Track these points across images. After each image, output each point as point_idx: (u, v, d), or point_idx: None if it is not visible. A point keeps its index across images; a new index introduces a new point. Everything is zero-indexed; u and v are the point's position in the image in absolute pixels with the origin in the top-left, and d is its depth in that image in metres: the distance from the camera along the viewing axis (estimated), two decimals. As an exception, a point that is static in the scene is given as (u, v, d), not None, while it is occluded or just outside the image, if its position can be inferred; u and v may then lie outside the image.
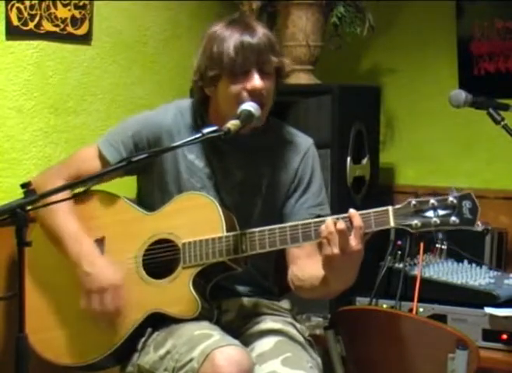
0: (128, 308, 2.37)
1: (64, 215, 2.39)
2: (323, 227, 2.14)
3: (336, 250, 2.11)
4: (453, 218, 2.10)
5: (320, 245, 2.26)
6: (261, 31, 2.33)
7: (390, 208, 2.14)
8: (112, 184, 2.45)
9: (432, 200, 2.12)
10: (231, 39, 2.30)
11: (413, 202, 2.13)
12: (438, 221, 2.11)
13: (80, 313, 2.41)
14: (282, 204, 2.47)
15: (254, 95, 2.30)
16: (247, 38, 2.30)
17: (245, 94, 2.30)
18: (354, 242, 2.11)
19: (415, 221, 2.12)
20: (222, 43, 2.30)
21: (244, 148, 2.42)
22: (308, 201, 2.46)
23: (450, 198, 2.11)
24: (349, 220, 2.13)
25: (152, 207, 2.44)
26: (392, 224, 2.13)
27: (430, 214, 2.12)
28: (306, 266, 2.37)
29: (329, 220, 2.14)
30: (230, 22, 2.36)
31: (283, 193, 2.47)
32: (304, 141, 2.51)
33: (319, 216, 2.41)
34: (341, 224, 2.11)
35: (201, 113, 2.44)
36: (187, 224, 2.35)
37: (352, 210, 2.14)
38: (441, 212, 2.11)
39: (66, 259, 2.41)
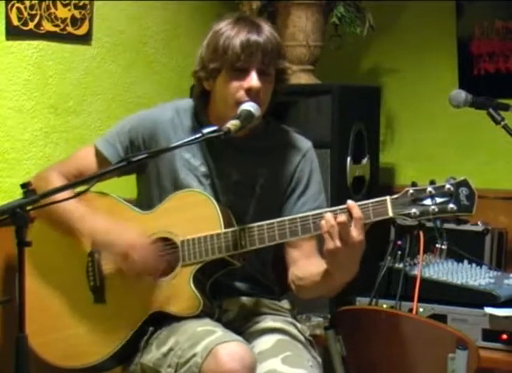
0: (129, 309, 2.36)
1: (67, 202, 2.36)
2: (323, 222, 2.14)
3: (339, 243, 2.11)
4: (451, 205, 2.10)
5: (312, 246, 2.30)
6: (268, 31, 2.33)
7: (388, 198, 2.14)
8: (111, 184, 2.45)
9: (429, 188, 2.12)
10: (238, 35, 2.30)
11: (410, 191, 2.13)
12: (436, 209, 2.11)
13: (80, 315, 2.41)
14: (279, 206, 2.47)
15: (250, 94, 2.30)
16: (254, 36, 2.30)
17: (242, 92, 2.30)
18: (355, 232, 2.11)
19: (414, 210, 2.12)
20: (229, 39, 2.30)
21: (242, 149, 2.42)
22: (306, 204, 2.45)
23: (447, 185, 2.11)
24: (348, 211, 2.13)
25: (151, 206, 2.43)
26: (391, 213, 2.14)
27: (428, 202, 2.12)
28: (305, 266, 2.38)
29: (328, 214, 2.14)
30: (237, 20, 2.35)
31: (279, 195, 2.47)
32: (303, 144, 2.51)
33: None
34: (342, 217, 2.11)
35: (201, 108, 2.43)
36: (184, 221, 2.35)
37: (350, 202, 2.14)
38: (439, 200, 2.11)
39: (66, 260, 2.42)
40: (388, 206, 2.13)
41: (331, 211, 2.15)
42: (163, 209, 2.39)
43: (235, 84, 2.31)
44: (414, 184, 2.16)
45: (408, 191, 2.13)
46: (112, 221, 2.38)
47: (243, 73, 2.30)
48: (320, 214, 2.18)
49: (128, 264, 2.32)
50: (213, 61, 2.33)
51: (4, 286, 2.71)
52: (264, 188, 2.45)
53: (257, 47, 2.29)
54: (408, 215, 2.13)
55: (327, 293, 2.43)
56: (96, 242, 2.38)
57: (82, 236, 2.39)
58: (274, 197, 2.46)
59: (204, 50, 2.37)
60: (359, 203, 2.15)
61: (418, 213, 2.12)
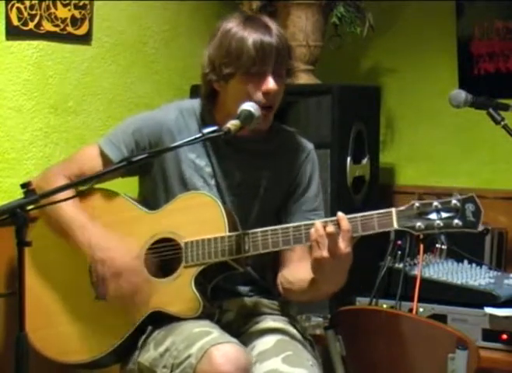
0: (129, 306, 2.36)
1: (69, 208, 2.37)
2: (312, 230, 2.15)
3: (326, 253, 2.12)
4: (456, 221, 2.11)
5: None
6: (278, 31, 2.33)
7: (393, 210, 2.15)
8: (113, 184, 2.45)
9: (435, 203, 2.13)
10: (251, 38, 2.28)
11: (416, 204, 2.13)
12: (441, 224, 2.11)
13: (81, 311, 2.41)
14: (280, 207, 2.48)
15: (268, 97, 2.31)
16: (267, 38, 2.29)
17: (259, 94, 2.30)
18: (343, 245, 2.12)
19: (419, 224, 2.12)
20: (242, 41, 2.29)
21: (245, 151, 2.43)
22: (304, 205, 2.47)
23: (454, 201, 2.11)
24: (337, 223, 2.14)
25: (157, 207, 2.43)
26: (396, 226, 2.14)
27: (433, 216, 2.12)
28: (296, 270, 2.39)
29: (318, 223, 2.15)
30: (247, 20, 2.34)
31: (281, 196, 2.47)
32: (305, 146, 2.51)
33: None
34: (331, 228, 2.12)
35: (210, 108, 2.43)
36: (189, 223, 2.35)
37: (340, 214, 2.15)
38: (444, 215, 2.12)
39: (69, 256, 2.42)
40: (393, 218, 2.14)
41: (322, 222, 2.16)
42: (168, 210, 2.39)
43: (251, 87, 2.30)
44: (420, 198, 2.17)
45: (414, 204, 2.14)
46: (108, 236, 2.36)
47: (258, 76, 2.30)
48: (325, 223, 2.17)
49: (114, 286, 2.32)
50: (226, 65, 2.31)
51: (4, 286, 2.70)
52: (268, 190, 2.45)
53: (271, 49, 2.29)
54: (413, 228, 2.13)
55: (313, 299, 2.45)
56: (90, 257, 2.37)
57: (79, 248, 2.38)
58: (276, 198, 2.47)
59: (213, 51, 2.34)
60: (365, 213, 2.16)
61: (423, 226, 2.12)
